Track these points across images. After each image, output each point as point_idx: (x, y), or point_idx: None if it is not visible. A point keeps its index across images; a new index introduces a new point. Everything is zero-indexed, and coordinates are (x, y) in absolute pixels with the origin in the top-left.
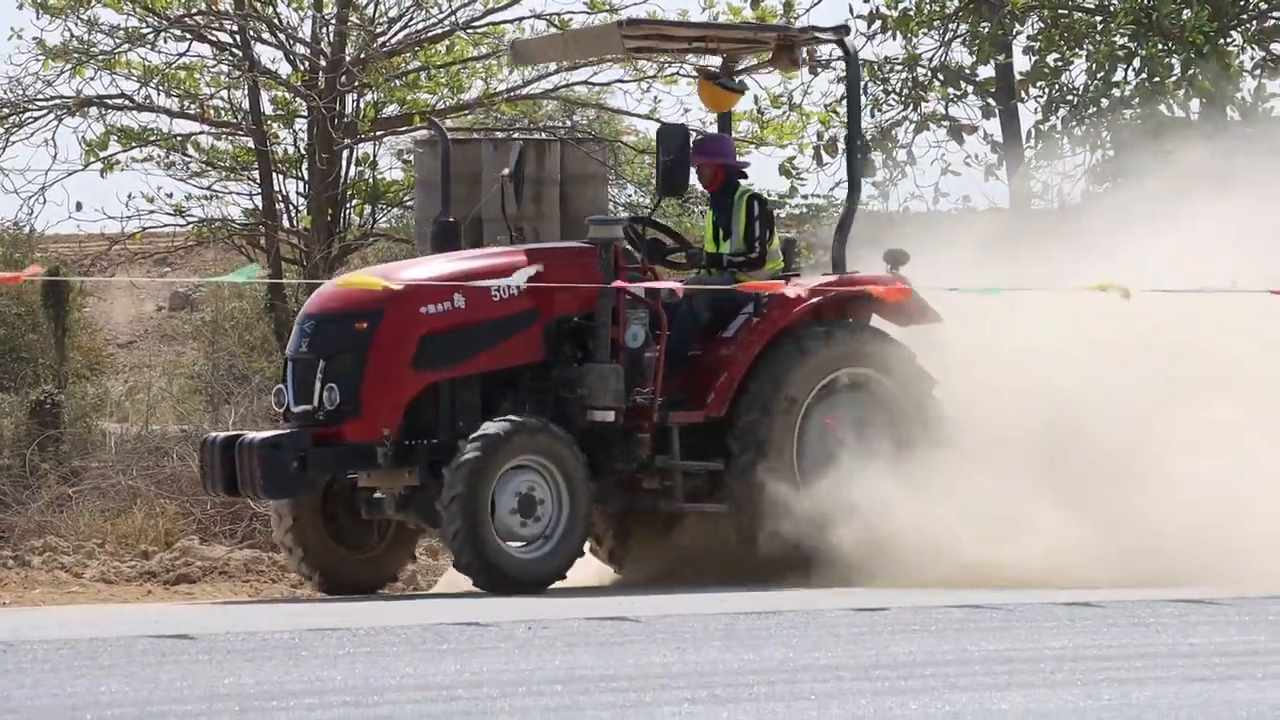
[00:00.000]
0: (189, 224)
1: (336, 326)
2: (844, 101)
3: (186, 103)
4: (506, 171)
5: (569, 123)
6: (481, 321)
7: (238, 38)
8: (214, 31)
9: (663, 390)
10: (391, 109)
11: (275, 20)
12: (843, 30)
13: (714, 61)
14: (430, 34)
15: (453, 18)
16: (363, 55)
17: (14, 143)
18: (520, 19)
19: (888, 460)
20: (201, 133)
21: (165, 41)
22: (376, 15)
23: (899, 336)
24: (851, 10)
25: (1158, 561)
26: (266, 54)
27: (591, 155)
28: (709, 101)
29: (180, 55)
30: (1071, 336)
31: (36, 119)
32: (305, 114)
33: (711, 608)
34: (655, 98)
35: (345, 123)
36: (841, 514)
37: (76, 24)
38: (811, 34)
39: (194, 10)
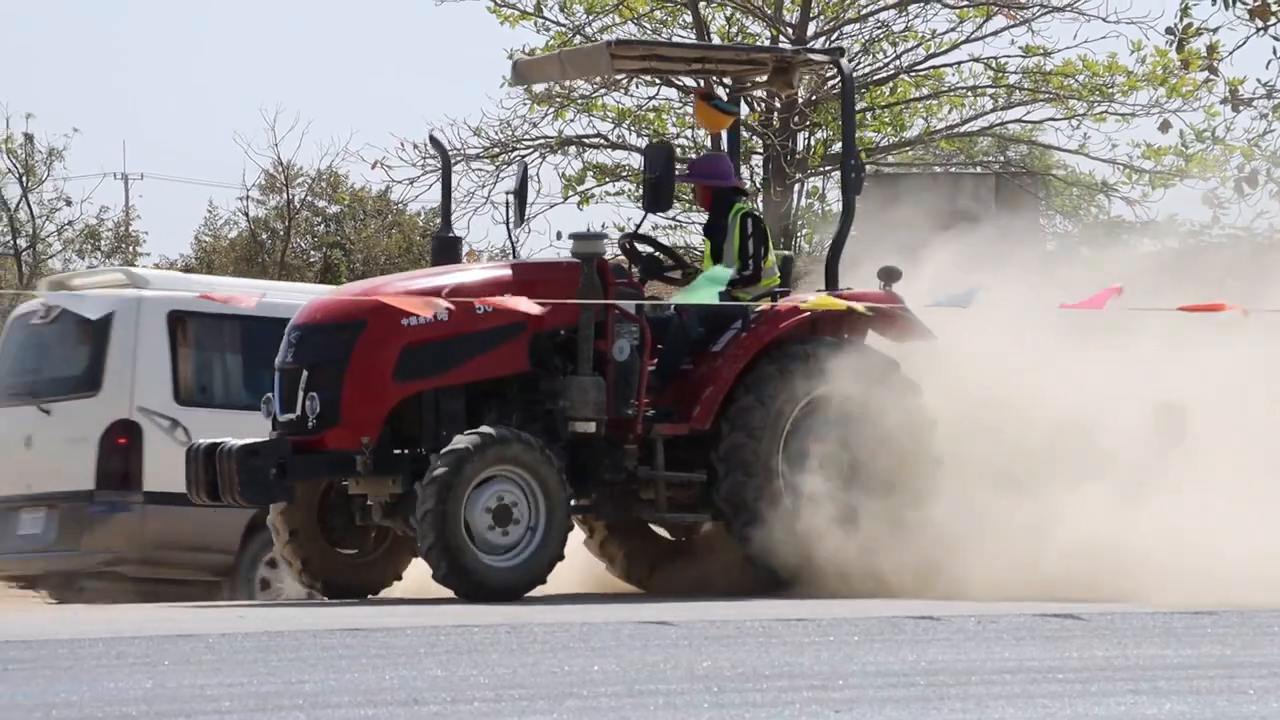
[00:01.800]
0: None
1: (320, 337)
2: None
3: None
4: (510, 190)
5: (1002, 158)
6: (465, 334)
7: (701, 81)
8: (680, 77)
9: (654, 403)
10: (838, 146)
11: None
12: (837, 53)
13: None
14: (875, 77)
15: (897, 62)
16: (814, 97)
17: (503, 178)
18: (959, 63)
19: (874, 475)
20: None
21: (636, 86)
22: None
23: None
24: None
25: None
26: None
27: (1024, 188)
28: (705, 121)
29: (650, 99)
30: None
31: (523, 155)
32: (761, 151)
33: (1145, 608)
34: (1085, 134)
35: (797, 159)
36: (827, 528)
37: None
38: (806, 56)
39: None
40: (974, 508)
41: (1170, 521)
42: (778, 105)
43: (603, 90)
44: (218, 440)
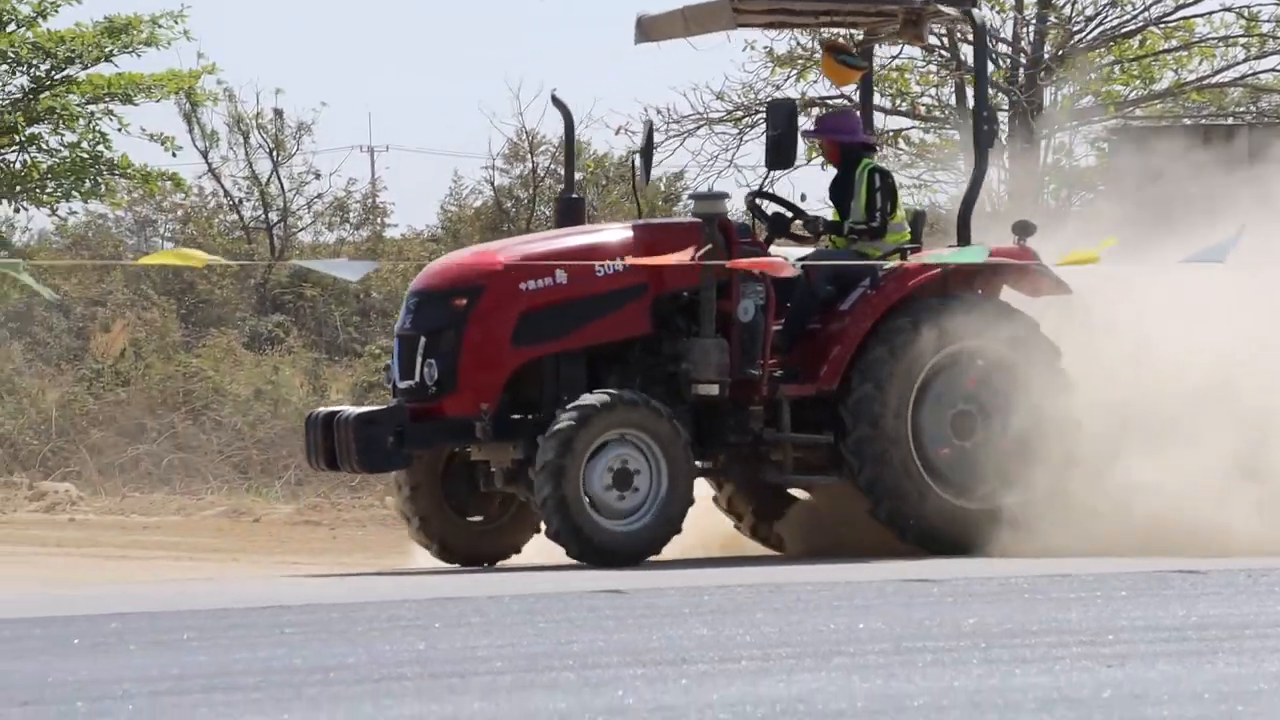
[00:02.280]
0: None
1: (437, 303)
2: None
3: (898, 100)
4: (637, 150)
5: (1255, 109)
6: (584, 297)
7: (944, 39)
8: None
9: (781, 364)
10: (1086, 100)
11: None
12: (968, 2)
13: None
14: (1124, 29)
15: (1145, 14)
16: (1060, 51)
17: (747, 141)
18: (1210, 12)
19: (1009, 430)
20: (912, 127)
21: (882, 46)
22: (1074, 14)
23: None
24: None
25: None
26: (971, 53)
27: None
28: (833, 76)
29: (894, 58)
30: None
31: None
32: (1007, 107)
33: None
34: None
35: (1044, 114)
36: (966, 483)
37: (802, 33)
38: (936, 7)
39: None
40: (1108, 470)
41: None
42: (1023, 60)
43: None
44: (336, 408)
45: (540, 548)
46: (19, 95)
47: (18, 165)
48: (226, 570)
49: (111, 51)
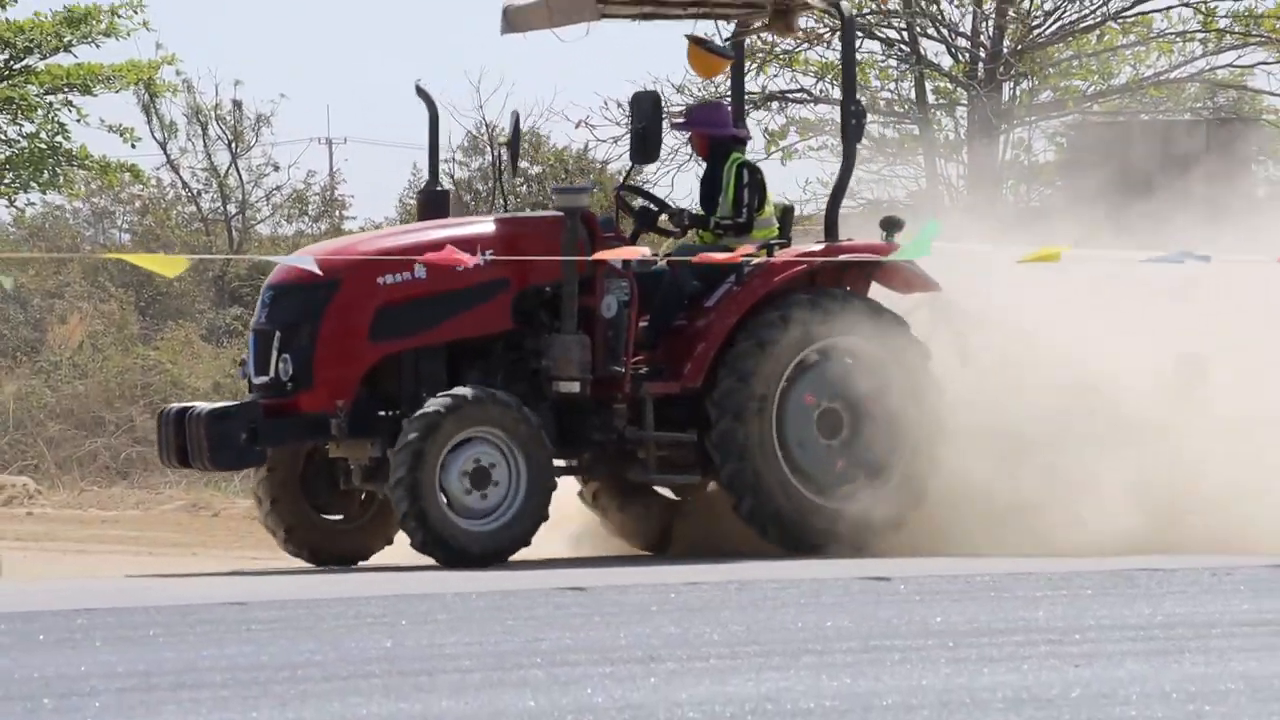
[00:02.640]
0: (859, 205)
1: (292, 297)
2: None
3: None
4: (503, 140)
5: (1212, 104)
6: (444, 292)
7: (905, 34)
8: (883, 29)
9: (647, 361)
10: (1045, 95)
11: (939, 17)
12: None
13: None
14: (1083, 24)
15: (1104, 8)
16: (1019, 46)
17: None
18: (1168, 8)
19: (875, 431)
20: (872, 122)
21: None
22: (1032, 8)
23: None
24: None
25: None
26: (930, 48)
27: (1237, 136)
28: (697, 68)
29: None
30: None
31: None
32: (965, 102)
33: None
34: None
35: (1003, 109)
36: (829, 482)
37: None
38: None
39: (865, 10)
40: (972, 475)
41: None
42: (982, 55)
43: (806, 45)
44: (189, 404)
45: (406, 547)
46: None
47: None
48: (187, 564)
49: (70, 41)
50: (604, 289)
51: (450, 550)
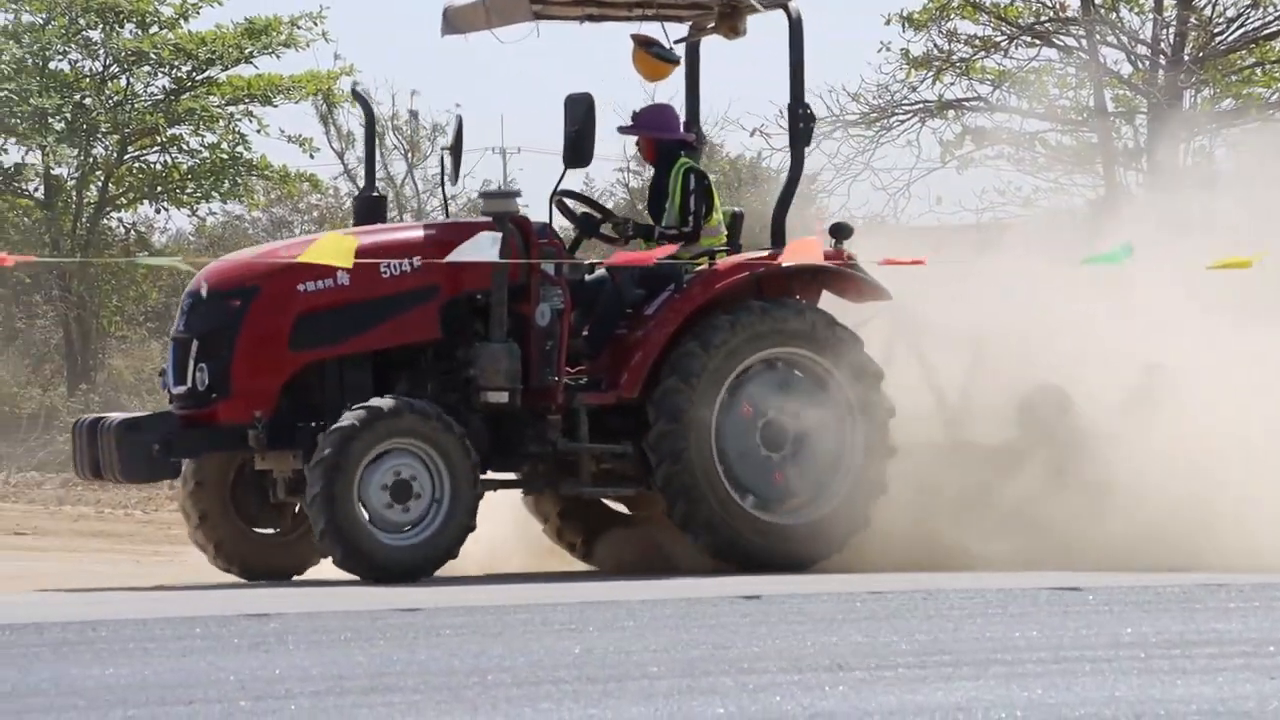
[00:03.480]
0: (1033, 213)
1: (210, 305)
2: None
3: (1034, 103)
4: (446, 145)
5: None
6: (367, 300)
7: (1083, 41)
8: (1061, 37)
9: (588, 371)
10: (1226, 103)
11: (1119, 24)
12: None
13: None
14: (1266, 31)
15: None
16: (1200, 54)
17: (883, 143)
18: None
19: (819, 443)
20: (1049, 130)
21: (1016, 48)
22: (1214, 16)
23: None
24: None
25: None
26: (1110, 55)
27: None
28: (644, 71)
29: (1030, 60)
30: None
31: (902, 122)
32: (1145, 110)
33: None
34: None
35: (1183, 117)
36: (766, 497)
37: (938, 35)
38: (750, 1)
39: (1044, 18)
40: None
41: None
42: (1162, 63)
43: (982, 53)
44: (102, 415)
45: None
46: (160, 96)
47: (159, 166)
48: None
49: (251, 53)
50: (538, 297)
51: (372, 565)
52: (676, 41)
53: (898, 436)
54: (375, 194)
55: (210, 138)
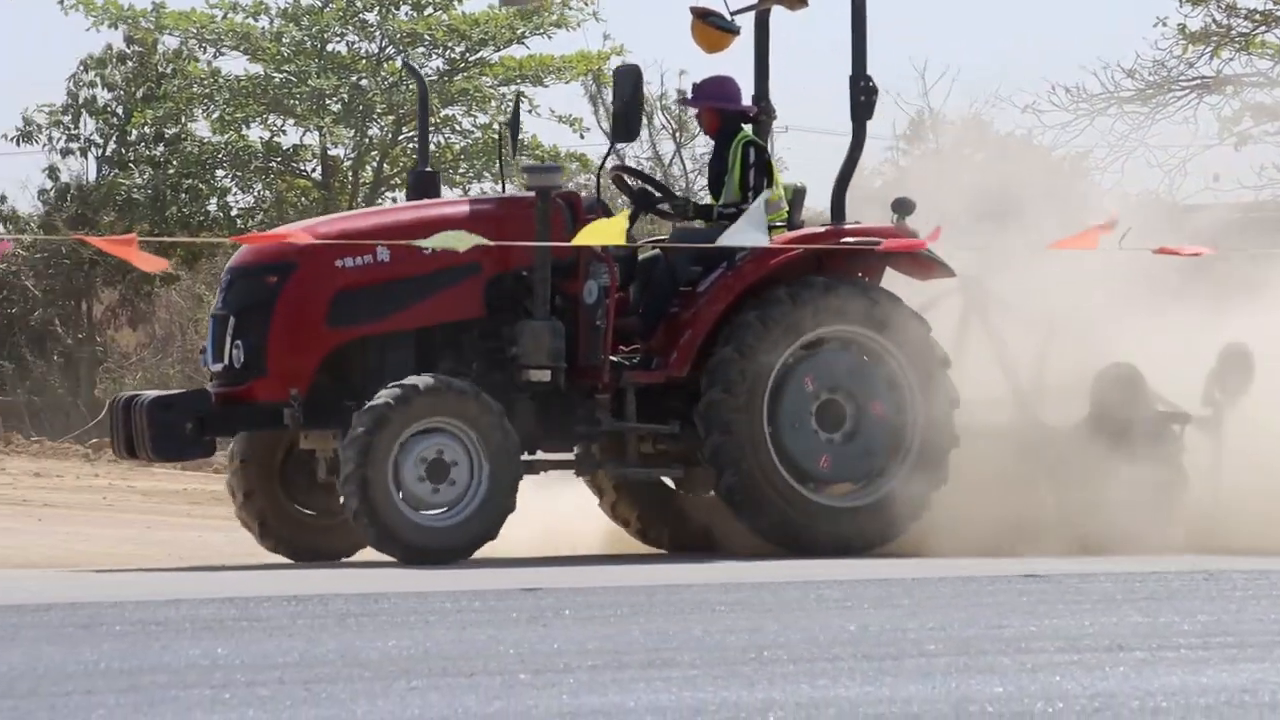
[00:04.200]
0: None
1: (248, 281)
2: None
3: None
4: (504, 120)
5: None
6: (408, 277)
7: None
8: None
9: (642, 350)
10: None
11: None
12: None
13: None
14: None
15: None
16: None
17: (1158, 120)
18: None
19: (877, 426)
20: None
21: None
22: None
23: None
24: None
25: None
26: None
27: None
28: (702, 43)
29: None
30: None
31: (1179, 98)
32: None
33: None
34: None
35: None
36: (811, 475)
37: (1216, 9)
38: None
39: None
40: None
41: None
42: None
43: (1263, 27)
44: (138, 392)
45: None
46: (434, 78)
47: (432, 147)
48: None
49: (523, 33)
50: (586, 274)
51: (407, 547)
52: (735, 12)
53: (968, 418)
54: (428, 170)
55: (483, 118)
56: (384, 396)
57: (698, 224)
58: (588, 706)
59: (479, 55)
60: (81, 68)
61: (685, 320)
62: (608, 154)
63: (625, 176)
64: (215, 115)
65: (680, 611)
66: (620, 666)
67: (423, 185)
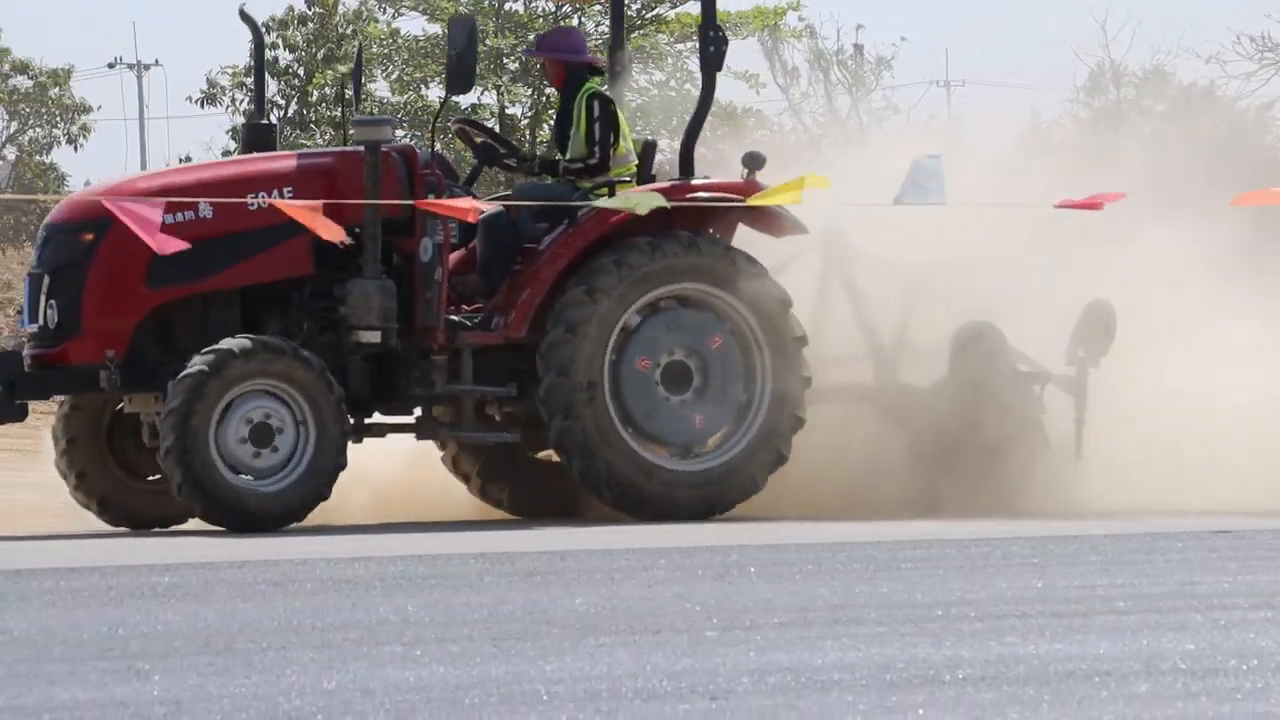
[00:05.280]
0: None
1: (63, 238)
2: None
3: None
4: (346, 71)
5: None
6: (233, 233)
7: None
8: None
9: (485, 310)
10: None
11: None
12: None
13: None
14: None
15: None
16: None
17: None
18: None
19: (725, 380)
20: None
21: None
22: None
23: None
24: None
25: None
26: None
27: None
28: None
29: None
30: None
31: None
32: None
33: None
34: None
35: None
36: (686, 442)
37: None
38: None
39: None
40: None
41: None
42: None
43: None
44: None
45: None
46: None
47: None
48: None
49: None
50: (423, 231)
51: (238, 515)
52: None
53: (829, 378)
54: (265, 122)
55: (659, 75)
56: (197, 364)
57: (547, 180)
58: (775, 663)
59: (655, 12)
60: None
61: (525, 279)
62: (442, 107)
63: (469, 130)
64: (394, 76)
65: (866, 569)
66: (807, 624)
67: (259, 137)
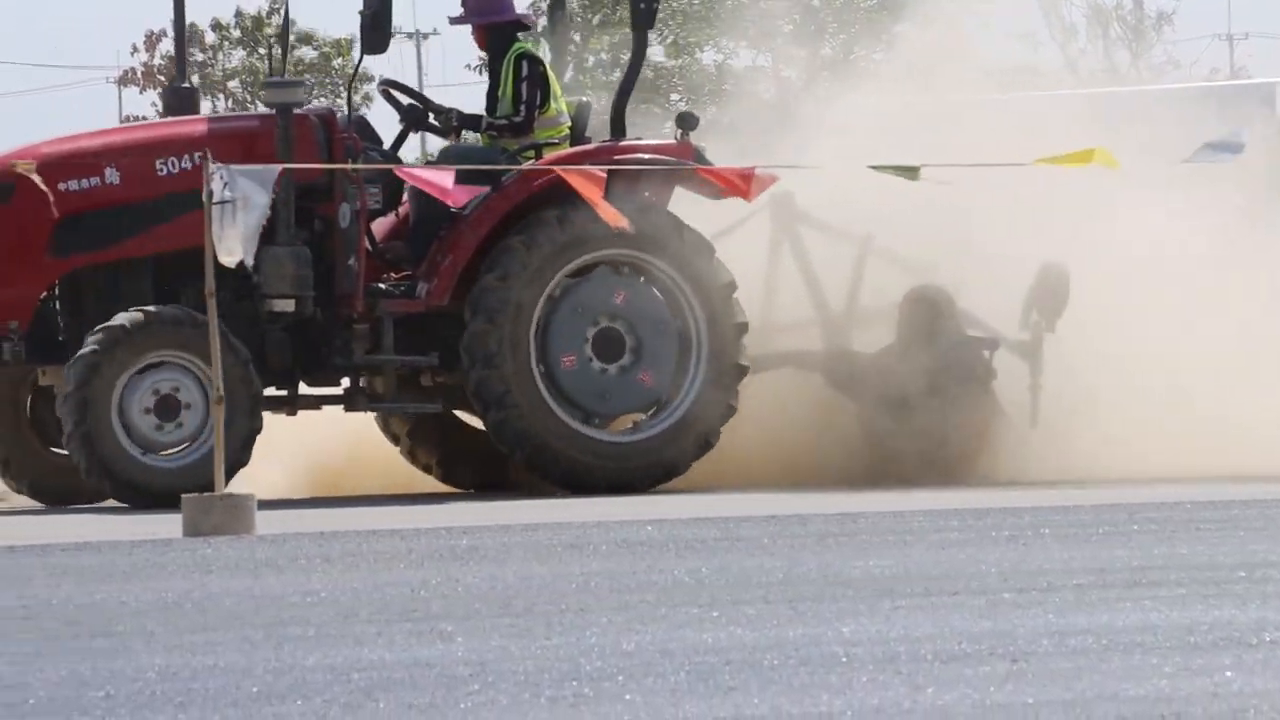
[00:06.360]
0: None
1: None
2: None
3: None
4: (273, 35)
5: None
6: (141, 200)
7: None
8: None
9: (411, 277)
10: None
11: None
12: None
13: None
14: None
15: None
16: None
17: None
18: None
19: (656, 343)
20: None
21: None
22: None
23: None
24: None
25: None
26: None
27: None
28: None
29: None
30: None
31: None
32: None
33: None
34: None
35: None
36: (594, 410)
37: None
38: None
39: None
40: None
41: None
42: None
43: None
44: None
45: None
46: None
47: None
48: None
49: None
50: (342, 197)
51: (151, 493)
52: None
53: (775, 344)
54: (185, 85)
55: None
56: (90, 344)
57: (476, 141)
58: (1076, 626)
59: None
60: None
61: (448, 246)
62: (356, 68)
63: (393, 91)
64: (669, 40)
65: (1164, 530)
66: (1105, 586)
67: (178, 102)
